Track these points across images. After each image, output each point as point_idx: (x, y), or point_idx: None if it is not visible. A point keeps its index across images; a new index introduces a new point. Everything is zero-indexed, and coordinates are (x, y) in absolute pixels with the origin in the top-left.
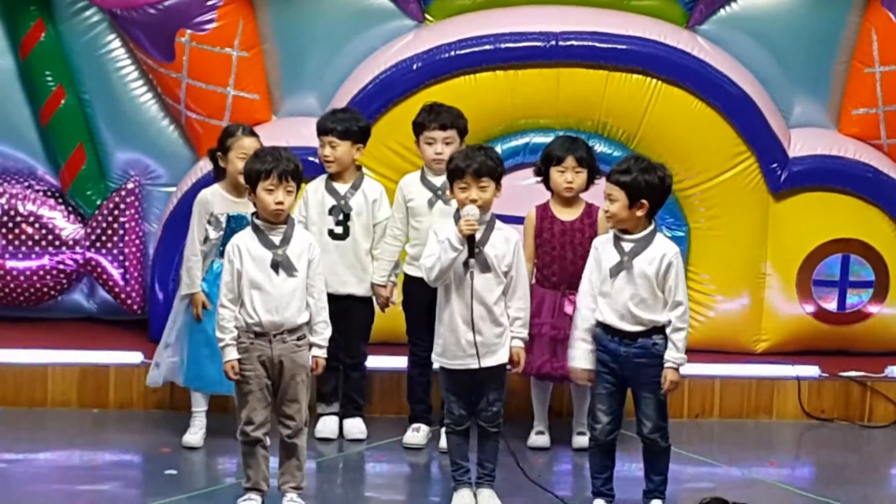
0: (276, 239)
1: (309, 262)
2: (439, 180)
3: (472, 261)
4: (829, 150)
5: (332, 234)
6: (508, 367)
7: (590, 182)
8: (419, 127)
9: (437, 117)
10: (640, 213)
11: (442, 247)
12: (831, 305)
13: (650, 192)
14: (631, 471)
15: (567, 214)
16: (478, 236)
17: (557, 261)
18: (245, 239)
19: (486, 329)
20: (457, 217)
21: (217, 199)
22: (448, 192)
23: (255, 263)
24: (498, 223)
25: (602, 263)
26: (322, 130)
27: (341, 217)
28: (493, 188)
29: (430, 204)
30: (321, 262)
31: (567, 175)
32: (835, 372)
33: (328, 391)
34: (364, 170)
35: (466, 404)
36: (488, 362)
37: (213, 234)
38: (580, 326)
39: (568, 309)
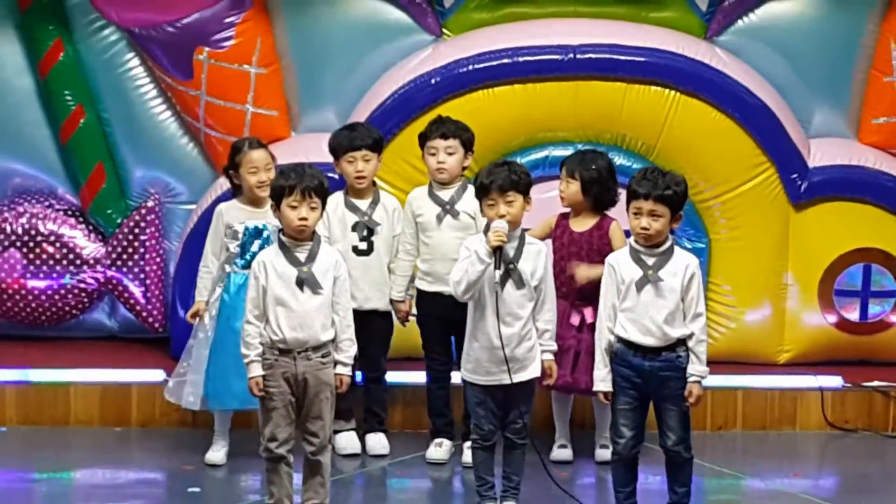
0: (302, 256)
1: (335, 279)
2: (447, 194)
3: (497, 272)
4: (849, 160)
5: (356, 250)
6: (547, 381)
7: (598, 194)
8: (423, 138)
9: (438, 127)
10: (674, 226)
11: (469, 260)
12: (853, 315)
13: (683, 203)
14: (654, 483)
15: (579, 226)
16: (511, 253)
17: (566, 271)
18: (271, 255)
19: (517, 344)
20: (486, 231)
21: (233, 212)
22: (457, 206)
23: (280, 280)
24: (528, 237)
25: (623, 279)
26: (351, 147)
27: (365, 233)
28: (520, 202)
29: (439, 219)
30: (347, 279)
31: (561, 184)
32: (858, 382)
33: (346, 407)
34: (379, 183)
35: (496, 419)
36: (520, 377)
37: (229, 245)
38: (602, 347)
39: (574, 319)
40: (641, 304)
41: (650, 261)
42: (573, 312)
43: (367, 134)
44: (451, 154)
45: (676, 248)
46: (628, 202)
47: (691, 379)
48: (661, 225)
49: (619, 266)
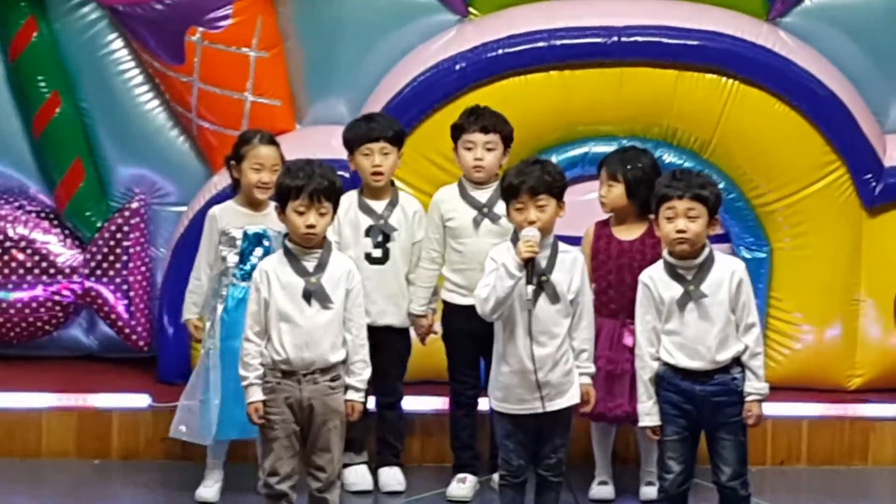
0: (310, 265)
1: (347, 292)
2: (484, 195)
3: (529, 288)
4: None
5: (369, 258)
6: (584, 409)
7: (645, 197)
8: (457, 130)
9: (477, 119)
10: (711, 232)
11: (497, 274)
12: None
13: (718, 207)
14: None
15: (626, 233)
16: (543, 263)
17: (615, 286)
18: (274, 264)
19: (552, 367)
20: (514, 239)
21: (229, 214)
22: (496, 209)
23: (284, 292)
24: (562, 245)
25: (661, 298)
26: (368, 139)
27: (380, 238)
28: (553, 206)
29: (476, 223)
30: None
31: (602, 188)
32: None
33: (356, 437)
34: (397, 183)
35: (527, 453)
36: (555, 405)
37: (226, 255)
38: (644, 378)
39: (627, 340)
40: (687, 325)
41: (689, 274)
42: (625, 332)
43: (387, 125)
44: (490, 150)
45: (717, 255)
46: (657, 208)
47: (750, 398)
48: (699, 227)
49: (656, 284)
